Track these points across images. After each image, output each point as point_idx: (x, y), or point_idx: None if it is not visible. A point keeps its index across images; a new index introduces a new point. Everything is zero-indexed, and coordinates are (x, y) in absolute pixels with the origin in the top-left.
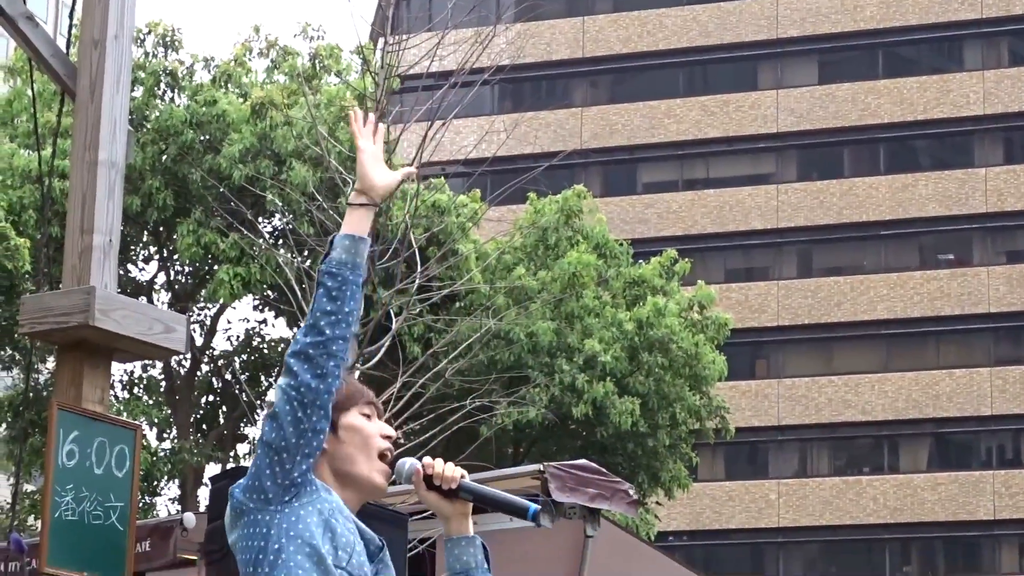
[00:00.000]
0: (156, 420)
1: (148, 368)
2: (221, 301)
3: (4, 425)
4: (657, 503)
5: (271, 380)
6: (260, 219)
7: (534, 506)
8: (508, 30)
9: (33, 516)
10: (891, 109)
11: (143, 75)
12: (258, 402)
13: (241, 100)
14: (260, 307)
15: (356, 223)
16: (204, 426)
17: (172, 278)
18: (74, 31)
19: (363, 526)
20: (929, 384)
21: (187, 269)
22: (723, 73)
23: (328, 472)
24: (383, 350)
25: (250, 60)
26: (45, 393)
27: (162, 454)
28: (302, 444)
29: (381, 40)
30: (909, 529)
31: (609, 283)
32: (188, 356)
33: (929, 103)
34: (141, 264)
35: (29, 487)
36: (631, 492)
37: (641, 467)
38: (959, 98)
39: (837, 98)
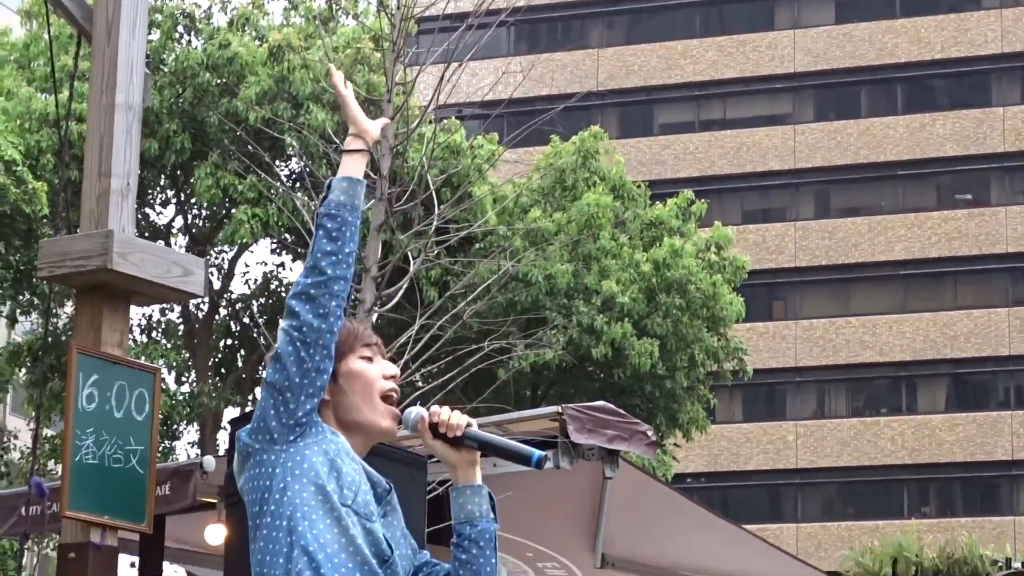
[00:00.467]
0: (175, 364)
1: (166, 312)
2: (239, 243)
3: (24, 370)
4: (675, 445)
5: None
6: (277, 162)
7: (538, 453)
8: None
9: (54, 460)
10: (908, 48)
11: (160, 18)
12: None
13: (258, 43)
14: (278, 250)
15: (353, 167)
16: (223, 370)
17: (189, 222)
18: None
19: (370, 469)
20: (947, 324)
21: (204, 213)
22: (740, 13)
23: (332, 421)
24: (401, 293)
25: (267, 2)
26: (64, 337)
27: (181, 398)
28: (306, 384)
29: None
30: (927, 470)
31: (626, 225)
32: (206, 300)
33: (947, 42)
34: (159, 208)
35: (49, 431)
36: (649, 434)
37: (659, 409)
38: (977, 37)
39: (854, 38)
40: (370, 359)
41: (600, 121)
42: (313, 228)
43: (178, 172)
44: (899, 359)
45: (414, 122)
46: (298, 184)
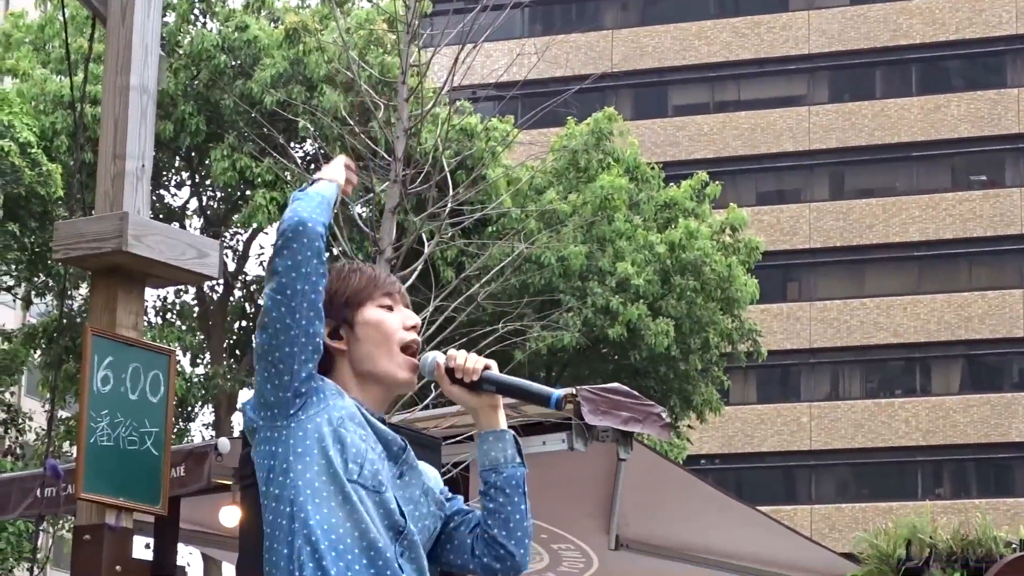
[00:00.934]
0: (189, 346)
1: (181, 294)
2: (255, 226)
3: (39, 351)
4: (689, 426)
5: None
6: (292, 144)
7: (557, 393)
8: None
9: (68, 442)
10: (923, 29)
11: (176, 0)
12: None
13: (273, 25)
14: None
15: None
16: (237, 351)
17: (204, 203)
18: None
19: (382, 427)
20: (961, 306)
21: (219, 195)
22: None
23: (349, 372)
24: (415, 274)
25: None
26: (79, 319)
27: (196, 380)
28: (296, 351)
29: None
30: (941, 451)
31: (640, 206)
32: (221, 281)
33: (961, 23)
34: (174, 189)
35: (64, 413)
36: (663, 415)
37: (673, 391)
38: (991, 18)
39: (869, 19)
40: (390, 308)
41: (614, 102)
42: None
43: (193, 154)
44: (913, 340)
45: (428, 104)
46: (312, 166)
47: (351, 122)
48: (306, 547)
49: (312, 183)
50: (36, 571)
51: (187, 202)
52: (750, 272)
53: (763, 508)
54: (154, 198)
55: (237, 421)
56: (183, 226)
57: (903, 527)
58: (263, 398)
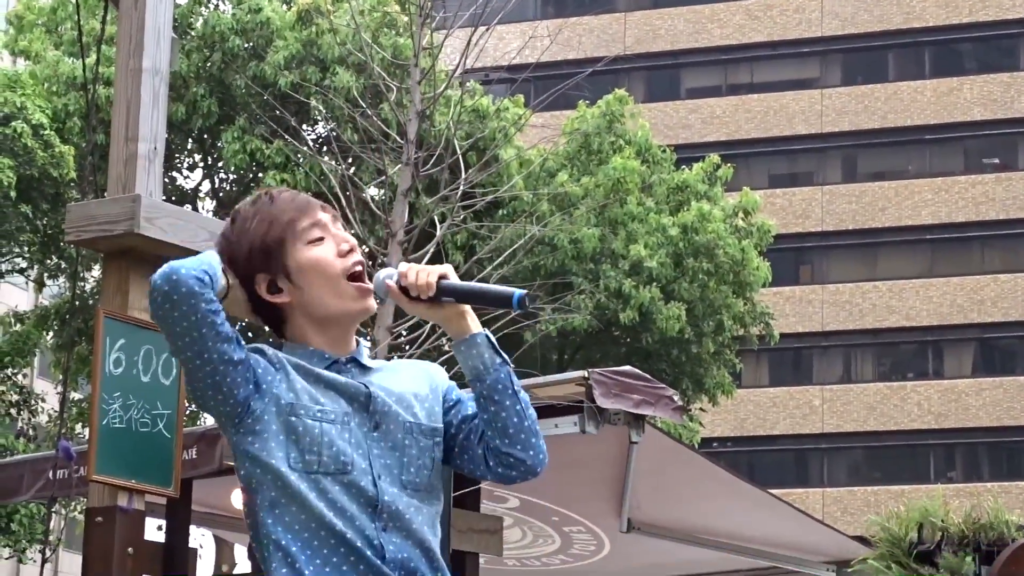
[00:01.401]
0: None
1: None
2: None
3: (51, 333)
4: (701, 409)
5: None
6: (304, 126)
7: (518, 291)
8: None
9: (81, 424)
10: (936, 12)
11: None
12: None
13: (285, 7)
14: None
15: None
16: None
17: (217, 185)
18: None
19: (341, 380)
20: (974, 289)
21: (231, 177)
22: None
23: (303, 320)
24: (427, 257)
25: None
26: (91, 301)
27: None
28: (219, 377)
29: None
30: (953, 435)
31: (653, 189)
32: None
33: (974, 6)
34: (186, 171)
35: (76, 395)
36: (675, 398)
37: (685, 374)
38: (1004, 0)
39: (882, 1)
40: (319, 238)
41: (627, 85)
42: (340, 192)
43: (205, 136)
44: (926, 323)
45: (441, 86)
46: (324, 148)
47: (363, 104)
48: (277, 552)
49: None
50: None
51: (199, 184)
52: (762, 255)
53: (775, 491)
54: (166, 180)
55: None
56: (195, 208)
57: (915, 510)
58: (212, 413)
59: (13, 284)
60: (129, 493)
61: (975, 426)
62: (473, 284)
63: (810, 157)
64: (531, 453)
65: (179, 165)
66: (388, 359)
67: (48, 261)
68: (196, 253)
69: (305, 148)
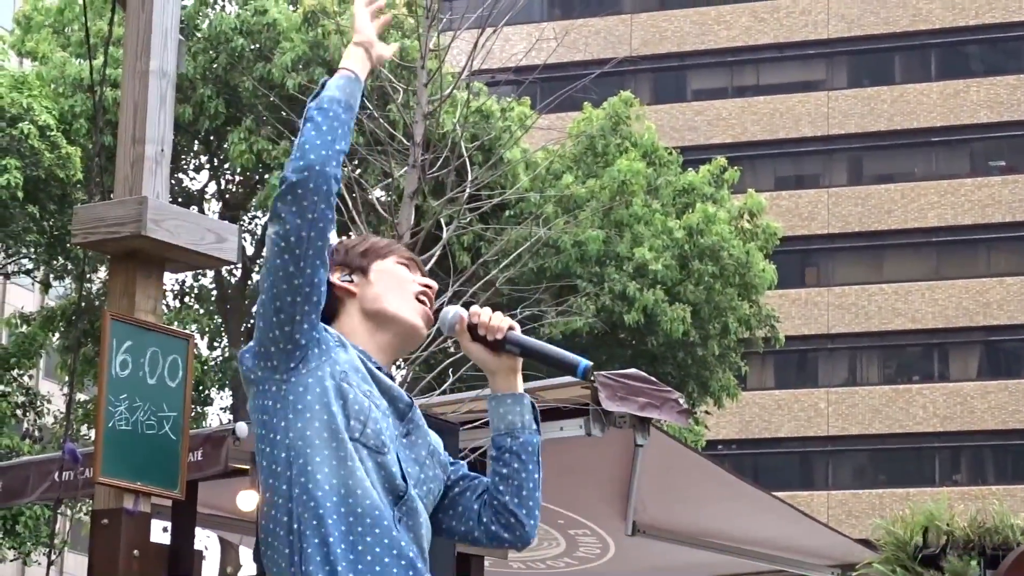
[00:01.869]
0: (207, 329)
1: (199, 277)
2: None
3: (57, 335)
4: (706, 412)
5: None
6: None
7: (584, 362)
8: None
9: (87, 426)
10: (942, 14)
11: None
12: None
13: (292, 8)
14: None
15: (353, 64)
16: None
17: (223, 187)
18: None
19: (388, 382)
20: (979, 292)
21: (238, 178)
22: None
23: (358, 315)
24: (434, 259)
25: None
26: (98, 303)
27: (213, 363)
28: (299, 300)
29: None
30: (959, 437)
31: (659, 191)
32: (239, 265)
33: (981, 8)
34: (192, 173)
35: (82, 396)
36: (681, 401)
37: (691, 376)
38: (1011, 3)
39: (888, 3)
40: (408, 267)
41: (633, 87)
42: (346, 194)
43: (211, 137)
44: (931, 326)
45: (447, 88)
46: None
47: (369, 106)
48: (307, 512)
49: (337, 74)
50: (54, 555)
51: (205, 185)
52: (768, 257)
53: (780, 494)
54: (172, 181)
55: None
56: (201, 209)
57: (920, 514)
58: (263, 347)
59: (19, 285)
60: (135, 495)
61: (981, 429)
62: (540, 342)
63: (816, 159)
64: (531, 522)
65: (185, 166)
66: None
67: (54, 262)
68: (203, 255)
69: None
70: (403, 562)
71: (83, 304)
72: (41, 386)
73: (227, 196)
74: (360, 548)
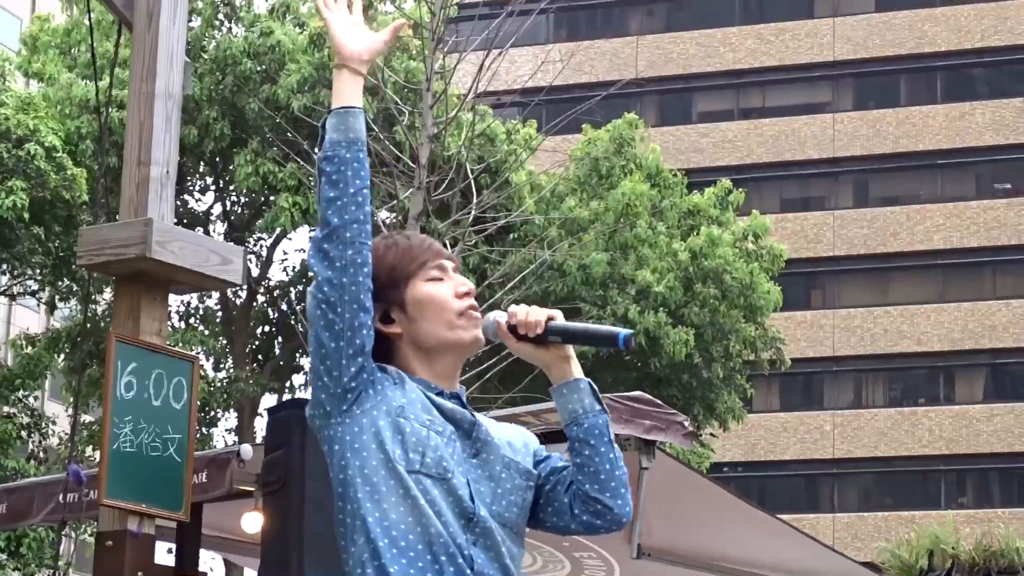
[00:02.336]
0: (213, 350)
1: (205, 299)
2: (279, 231)
3: (62, 356)
4: (712, 435)
5: None
6: (316, 150)
7: (624, 331)
8: None
9: (91, 447)
10: (948, 37)
11: (201, 5)
12: None
13: (298, 30)
14: None
15: (343, 94)
16: (260, 357)
17: (228, 208)
18: None
19: (449, 405)
20: (985, 315)
21: (243, 200)
22: (779, 1)
23: (411, 350)
24: None
25: None
26: (103, 324)
27: (219, 385)
28: (343, 346)
29: None
30: (964, 460)
31: (664, 213)
32: (244, 287)
33: (986, 31)
34: (198, 195)
35: (87, 418)
36: (686, 424)
37: (696, 399)
38: (1016, 26)
39: (894, 26)
40: (439, 279)
41: (639, 109)
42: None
43: (217, 159)
44: (937, 349)
45: (453, 110)
46: None
47: (375, 128)
48: (368, 545)
49: (336, 112)
50: None
51: (211, 207)
52: (773, 280)
53: (785, 516)
54: (178, 203)
55: (260, 427)
56: (207, 231)
57: (925, 537)
58: (316, 397)
59: (25, 306)
60: (139, 517)
61: (986, 452)
62: (579, 324)
63: (822, 182)
64: (619, 503)
65: (191, 188)
66: None
67: (60, 283)
68: (208, 277)
69: (316, 171)
70: None
71: (88, 325)
72: (46, 407)
73: (232, 218)
74: None
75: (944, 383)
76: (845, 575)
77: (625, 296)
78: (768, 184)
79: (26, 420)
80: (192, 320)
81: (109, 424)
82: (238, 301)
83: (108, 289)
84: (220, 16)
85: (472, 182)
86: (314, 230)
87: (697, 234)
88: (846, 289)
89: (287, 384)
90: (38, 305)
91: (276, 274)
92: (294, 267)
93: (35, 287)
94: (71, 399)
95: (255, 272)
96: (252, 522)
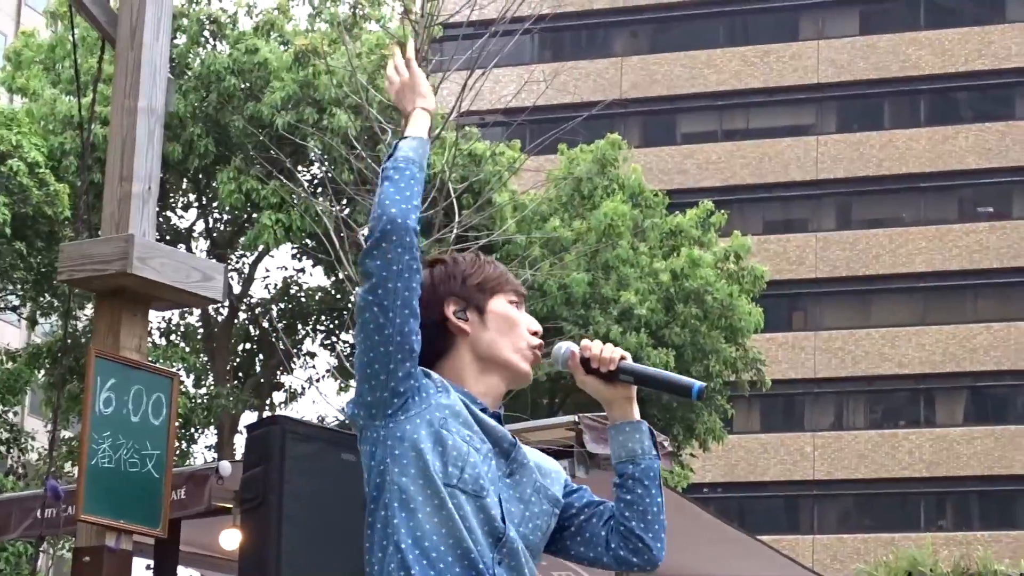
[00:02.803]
0: (193, 367)
1: (186, 315)
2: (260, 248)
3: (42, 371)
4: (692, 455)
5: (308, 328)
6: (299, 168)
7: (698, 384)
8: None
9: (70, 463)
10: (932, 61)
11: (186, 22)
12: (294, 350)
13: (283, 48)
14: (298, 256)
15: (424, 129)
16: (241, 374)
17: (211, 225)
18: None
19: (491, 423)
20: (966, 337)
21: (226, 217)
22: (764, 23)
23: (470, 357)
24: None
25: (293, 7)
26: (83, 340)
27: (199, 401)
28: (392, 350)
29: None
30: (944, 483)
31: (645, 233)
32: (226, 304)
33: (970, 55)
34: (180, 211)
35: (67, 433)
36: (666, 444)
37: (676, 419)
38: (1000, 50)
39: (878, 49)
40: (517, 305)
41: (623, 130)
42: (334, 234)
43: (201, 176)
44: (918, 371)
45: (437, 128)
46: (320, 189)
47: (358, 146)
48: (396, 555)
49: (403, 138)
50: None
51: (194, 224)
52: (754, 301)
53: (765, 538)
54: (161, 220)
55: (239, 443)
56: (189, 248)
57: (903, 559)
58: (361, 397)
59: (6, 321)
60: (117, 533)
61: (966, 475)
62: (653, 368)
63: (805, 204)
64: (658, 545)
65: (173, 204)
66: None
67: (41, 299)
68: (189, 294)
69: (300, 189)
70: None
71: (69, 341)
72: (26, 423)
73: (215, 235)
74: None
75: (925, 405)
76: None
77: (607, 316)
78: (751, 206)
79: (5, 435)
80: (173, 337)
81: (88, 439)
82: (219, 318)
83: (89, 305)
84: (205, 33)
85: (454, 201)
86: (363, 234)
87: (678, 255)
88: (828, 311)
89: (267, 401)
90: (19, 320)
91: (258, 291)
92: (275, 284)
93: (16, 302)
94: (51, 415)
95: (237, 289)
96: (230, 539)
